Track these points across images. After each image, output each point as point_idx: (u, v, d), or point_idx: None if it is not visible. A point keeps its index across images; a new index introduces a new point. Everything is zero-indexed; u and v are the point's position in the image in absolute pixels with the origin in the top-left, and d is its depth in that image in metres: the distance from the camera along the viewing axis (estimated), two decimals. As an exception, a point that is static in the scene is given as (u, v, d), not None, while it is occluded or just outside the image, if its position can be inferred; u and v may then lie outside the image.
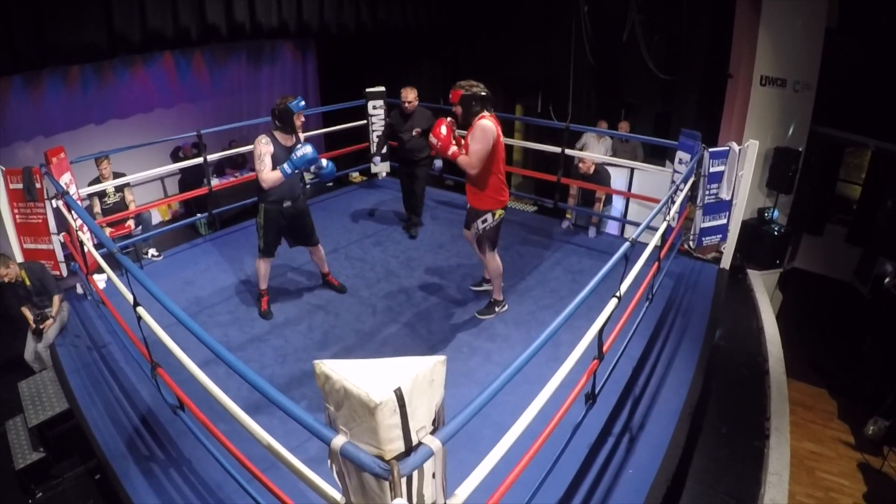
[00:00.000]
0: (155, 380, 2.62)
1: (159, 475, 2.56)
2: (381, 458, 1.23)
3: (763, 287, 4.90)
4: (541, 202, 6.19)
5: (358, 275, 4.37)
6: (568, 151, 5.14)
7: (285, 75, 8.02)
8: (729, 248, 4.52)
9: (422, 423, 1.29)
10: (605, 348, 2.41)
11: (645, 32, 6.55)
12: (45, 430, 3.21)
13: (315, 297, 4.07)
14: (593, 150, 6.40)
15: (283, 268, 4.40)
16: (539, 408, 1.81)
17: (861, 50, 6.40)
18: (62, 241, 4.00)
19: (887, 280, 6.00)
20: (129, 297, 2.51)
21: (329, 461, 1.36)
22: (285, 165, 3.31)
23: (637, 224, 3.60)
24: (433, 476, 1.35)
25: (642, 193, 5.27)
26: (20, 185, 3.78)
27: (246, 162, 7.18)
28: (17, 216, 3.90)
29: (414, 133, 4.73)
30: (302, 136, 3.58)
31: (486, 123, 3.16)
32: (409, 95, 4.71)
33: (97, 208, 4.84)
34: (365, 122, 5.91)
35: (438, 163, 4.98)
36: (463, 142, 3.37)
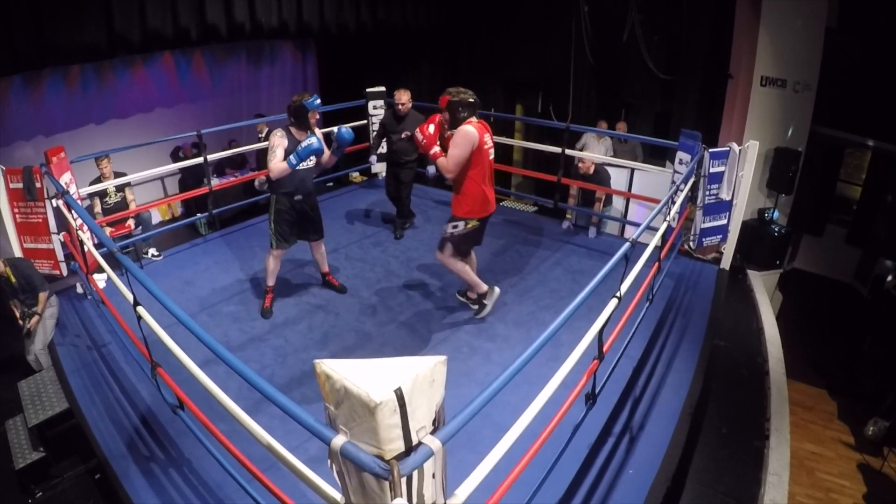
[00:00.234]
0: (155, 379, 2.62)
1: (159, 475, 2.56)
2: (381, 457, 1.23)
3: (763, 287, 4.90)
4: (541, 202, 6.19)
5: (358, 275, 4.37)
6: (568, 151, 5.14)
7: (285, 75, 8.02)
8: (729, 249, 4.52)
9: (422, 423, 1.29)
10: (605, 348, 2.41)
11: (645, 32, 6.54)
12: (45, 430, 3.20)
13: (315, 297, 4.07)
14: (593, 151, 6.40)
15: (284, 268, 4.38)
16: (539, 408, 1.80)
17: (861, 50, 6.40)
18: (62, 240, 4.00)
19: (891, 278, 5.99)
20: (129, 297, 2.51)
21: (329, 461, 1.35)
22: (291, 157, 3.38)
23: (637, 224, 3.60)
24: (433, 476, 1.34)
25: (642, 194, 5.28)
26: (20, 185, 3.78)
27: (246, 162, 7.18)
28: (17, 215, 3.90)
29: (403, 136, 4.74)
30: (319, 133, 3.60)
31: (469, 129, 3.18)
32: (403, 98, 4.71)
33: (98, 208, 4.84)
34: (365, 122, 5.92)
35: (432, 169, 4.97)
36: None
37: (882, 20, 6.23)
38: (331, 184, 6.46)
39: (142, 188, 6.26)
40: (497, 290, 3.71)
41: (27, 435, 3.25)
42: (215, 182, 5.34)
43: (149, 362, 2.62)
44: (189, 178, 6.57)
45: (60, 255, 4.00)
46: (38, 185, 3.79)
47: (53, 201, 3.86)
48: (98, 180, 4.77)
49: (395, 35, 7.42)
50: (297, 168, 3.46)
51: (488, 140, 3.31)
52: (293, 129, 3.52)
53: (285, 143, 3.45)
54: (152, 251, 4.79)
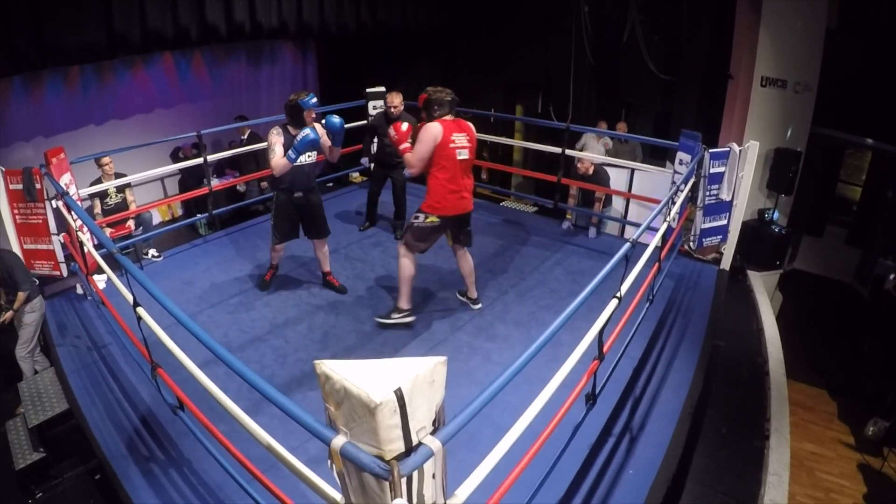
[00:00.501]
0: (155, 380, 2.62)
1: (159, 475, 2.56)
2: (381, 458, 1.23)
3: (763, 288, 4.90)
4: (541, 203, 6.19)
5: (358, 275, 4.37)
6: (568, 152, 5.14)
7: (285, 75, 8.01)
8: (729, 249, 4.52)
9: (422, 423, 1.29)
10: (605, 349, 2.41)
11: (645, 32, 6.54)
12: (45, 431, 3.20)
13: (315, 297, 4.07)
14: (593, 151, 6.40)
15: (286, 267, 4.40)
16: (539, 408, 1.80)
17: (861, 51, 6.39)
18: (62, 241, 4.00)
19: (893, 277, 5.99)
20: (129, 298, 2.51)
21: (329, 461, 1.35)
22: (290, 152, 3.43)
23: (637, 225, 3.60)
24: (433, 476, 1.34)
25: (642, 194, 5.28)
26: (20, 186, 3.78)
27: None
28: (17, 216, 3.90)
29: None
30: (318, 127, 3.65)
31: (433, 125, 3.22)
32: (395, 100, 4.73)
33: (98, 209, 4.84)
34: (365, 122, 5.91)
35: (407, 172, 5.01)
36: None
37: (882, 20, 6.23)
38: (331, 184, 6.46)
39: (142, 189, 6.25)
40: (413, 318, 3.63)
41: (27, 435, 3.25)
42: (215, 182, 5.34)
43: (149, 363, 2.62)
44: (189, 179, 6.57)
45: (60, 255, 4.00)
46: (37, 185, 3.79)
47: (53, 202, 3.86)
48: (98, 181, 4.77)
49: (395, 35, 7.42)
50: (298, 164, 3.51)
51: (460, 139, 3.28)
52: (290, 128, 3.57)
53: (282, 139, 3.52)
54: (152, 252, 4.79)
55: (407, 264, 3.51)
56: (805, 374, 6.11)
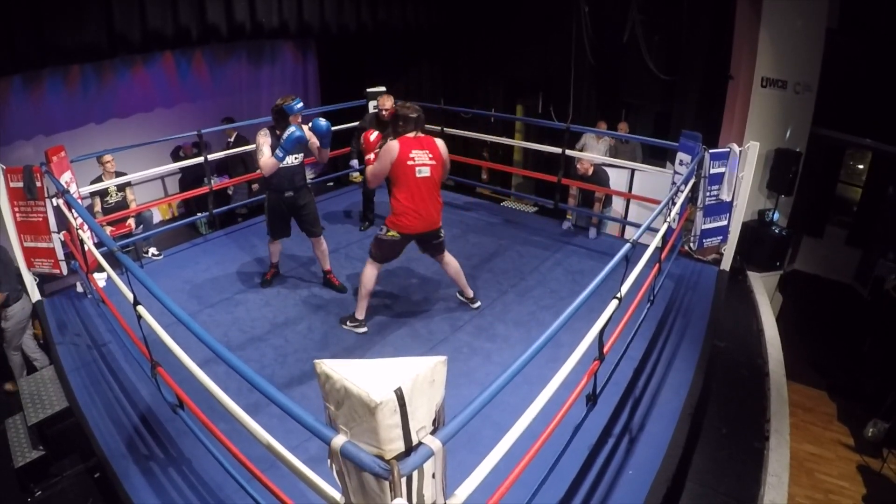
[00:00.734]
0: (155, 379, 2.62)
1: (159, 474, 2.56)
2: (381, 457, 1.23)
3: (763, 289, 4.90)
4: (541, 203, 6.19)
5: (358, 275, 4.35)
6: (568, 152, 5.14)
7: (286, 75, 8.02)
8: (729, 250, 4.51)
9: (422, 423, 1.29)
10: (605, 349, 2.41)
11: (645, 33, 6.54)
12: (45, 429, 3.20)
13: (315, 297, 4.07)
14: (592, 151, 6.40)
15: (286, 266, 4.40)
16: (539, 408, 1.80)
17: (862, 51, 6.40)
18: (62, 239, 3.99)
19: (893, 277, 6.00)
20: (130, 296, 2.51)
21: (329, 461, 1.35)
22: (278, 151, 3.51)
23: (637, 225, 3.61)
24: (433, 476, 1.34)
25: (643, 194, 5.28)
26: (20, 184, 3.78)
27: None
28: (17, 215, 3.89)
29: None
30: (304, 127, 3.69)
31: (391, 145, 3.22)
32: (387, 103, 4.74)
33: (98, 207, 4.84)
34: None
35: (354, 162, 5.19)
36: None
37: (882, 21, 6.23)
38: (331, 184, 6.46)
39: (142, 188, 6.26)
40: (365, 329, 3.63)
41: (27, 433, 3.25)
42: (215, 182, 5.34)
43: (149, 361, 2.62)
44: (189, 178, 6.57)
45: (60, 254, 3.99)
46: (38, 184, 3.78)
47: (54, 200, 3.85)
48: (99, 179, 4.77)
49: (396, 35, 7.42)
50: (287, 164, 3.62)
51: (420, 157, 3.25)
52: (277, 131, 3.63)
53: (269, 140, 3.60)
54: (152, 250, 4.79)
55: (369, 275, 3.51)
56: (805, 374, 6.11)
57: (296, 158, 3.70)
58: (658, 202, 3.88)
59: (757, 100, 6.01)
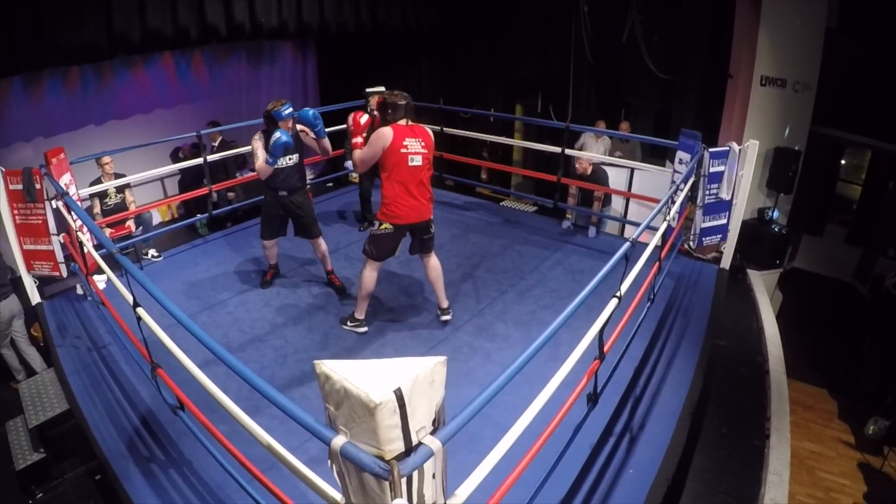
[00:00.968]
0: (155, 380, 2.62)
1: (159, 476, 2.56)
2: (381, 458, 1.23)
3: (763, 287, 4.90)
4: (541, 202, 6.19)
5: (358, 275, 4.36)
6: (568, 151, 5.14)
7: (285, 75, 8.02)
8: (729, 248, 4.51)
9: (422, 423, 1.29)
10: (605, 348, 2.41)
11: (645, 32, 6.55)
12: (46, 431, 3.21)
13: (315, 297, 4.07)
14: (592, 151, 6.40)
15: (286, 266, 4.40)
16: (539, 408, 1.80)
17: (861, 50, 6.40)
18: (62, 241, 4.00)
19: (894, 275, 6.00)
20: (129, 298, 2.51)
21: (329, 461, 1.35)
22: (268, 157, 3.57)
23: (637, 224, 3.61)
24: (433, 476, 1.34)
25: (642, 193, 5.27)
26: (20, 186, 3.78)
27: (246, 162, 7.18)
28: (16, 217, 3.89)
29: None
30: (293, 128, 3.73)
31: (384, 130, 3.17)
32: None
33: (97, 209, 4.84)
34: (365, 122, 5.90)
35: (349, 164, 5.15)
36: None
37: (882, 20, 6.23)
38: (331, 184, 6.46)
39: (141, 189, 6.26)
40: (365, 329, 3.62)
41: (27, 436, 3.25)
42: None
43: (149, 363, 2.62)
44: (188, 179, 6.56)
45: (60, 256, 3.99)
46: (37, 186, 3.78)
47: (53, 202, 3.85)
48: (98, 181, 4.77)
49: (395, 35, 7.42)
50: (281, 166, 3.67)
51: (413, 145, 3.21)
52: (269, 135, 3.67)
53: (263, 143, 3.64)
54: (152, 252, 4.79)
55: (369, 276, 3.48)
56: (805, 373, 6.12)
57: (290, 160, 3.72)
58: (658, 201, 3.88)
59: (756, 98, 6.01)
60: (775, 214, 6.37)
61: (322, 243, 4.01)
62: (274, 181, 3.73)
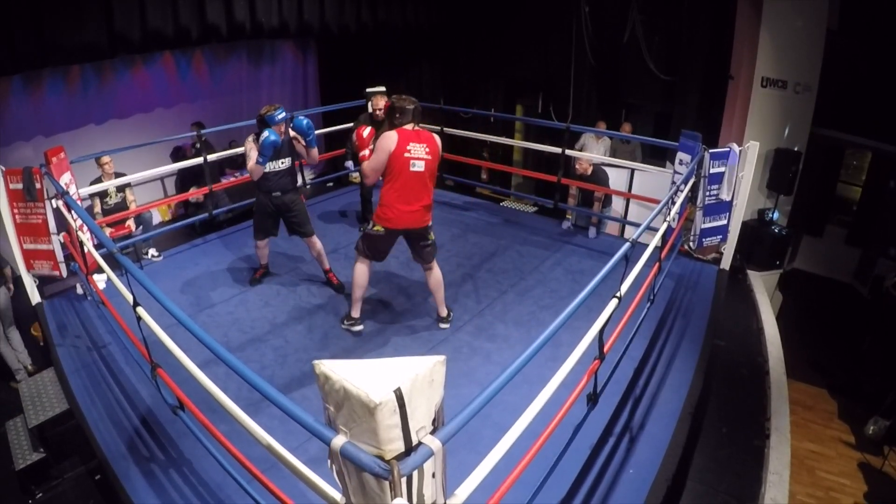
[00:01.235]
0: (155, 380, 2.62)
1: (159, 475, 2.56)
2: (381, 458, 1.23)
3: (763, 288, 4.90)
4: (541, 202, 6.19)
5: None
6: (568, 152, 5.14)
7: (286, 75, 8.02)
8: (729, 249, 4.51)
9: (421, 423, 1.29)
10: (605, 349, 2.41)
11: (645, 33, 6.55)
12: (45, 431, 3.21)
13: (315, 297, 4.07)
14: (592, 151, 6.40)
15: (285, 267, 4.40)
16: (539, 408, 1.80)
17: (862, 52, 6.40)
18: (62, 241, 4.00)
19: (894, 275, 6.00)
20: (129, 298, 2.51)
21: (329, 461, 1.35)
22: (259, 158, 3.62)
23: (637, 224, 3.61)
24: (433, 476, 1.34)
25: (642, 194, 5.28)
26: (20, 186, 3.77)
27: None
28: (16, 216, 3.89)
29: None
30: (285, 131, 3.76)
31: (389, 134, 3.16)
32: (380, 103, 4.71)
33: (97, 208, 4.84)
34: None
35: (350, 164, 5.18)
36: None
37: (883, 22, 6.23)
38: (331, 184, 6.46)
39: (142, 188, 6.26)
40: (361, 327, 3.63)
41: (27, 436, 3.25)
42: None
43: (149, 363, 2.62)
44: (188, 179, 6.55)
45: (60, 255, 3.99)
46: (37, 185, 3.78)
47: (53, 202, 3.85)
48: (98, 180, 4.77)
49: (396, 35, 7.41)
50: (273, 169, 3.73)
51: (417, 150, 3.17)
52: None
53: (254, 145, 3.68)
54: (152, 252, 4.79)
55: (360, 270, 3.47)
56: (805, 373, 6.12)
57: (282, 163, 3.77)
58: (658, 202, 3.88)
59: (757, 100, 6.01)
60: (775, 215, 6.38)
61: (317, 242, 4.03)
62: (266, 184, 3.78)
